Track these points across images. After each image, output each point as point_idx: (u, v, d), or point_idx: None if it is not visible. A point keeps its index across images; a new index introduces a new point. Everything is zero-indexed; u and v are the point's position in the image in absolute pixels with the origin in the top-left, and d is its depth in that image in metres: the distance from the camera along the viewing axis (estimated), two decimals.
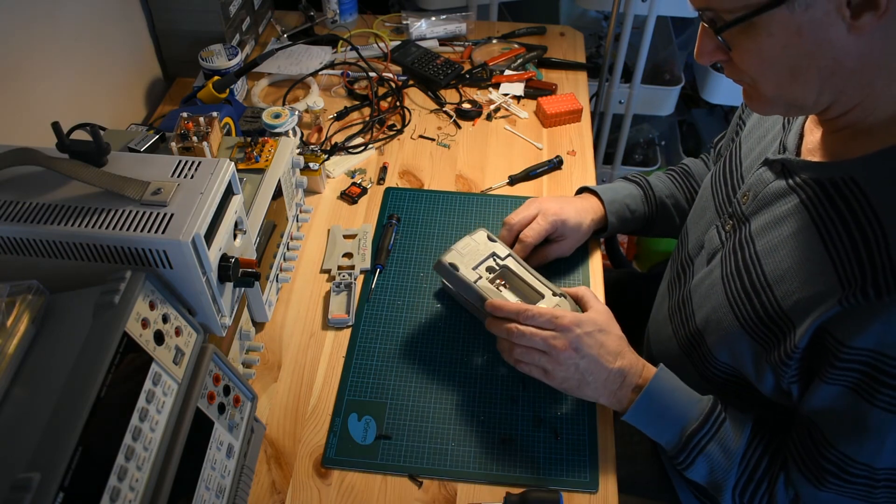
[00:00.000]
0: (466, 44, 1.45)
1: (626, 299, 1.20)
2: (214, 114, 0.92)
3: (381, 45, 1.41)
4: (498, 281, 0.91)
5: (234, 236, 0.74)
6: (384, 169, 1.17)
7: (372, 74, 1.32)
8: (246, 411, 0.74)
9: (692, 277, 0.85)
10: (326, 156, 1.15)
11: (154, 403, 0.58)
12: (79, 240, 0.63)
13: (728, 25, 0.61)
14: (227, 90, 1.11)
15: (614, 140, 2.14)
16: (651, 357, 0.83)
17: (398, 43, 1.41)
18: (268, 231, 0.91)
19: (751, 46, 0.61)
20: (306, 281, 1.00)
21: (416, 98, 1.32)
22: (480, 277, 0.88)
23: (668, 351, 0.88)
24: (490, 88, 1.34)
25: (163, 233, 0.62)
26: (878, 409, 0.62)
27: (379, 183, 1.15)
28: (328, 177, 1.15)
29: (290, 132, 1.07)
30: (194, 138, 0.87)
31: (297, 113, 1.08)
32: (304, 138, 1.19)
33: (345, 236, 1.05)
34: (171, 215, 0.63)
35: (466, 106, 1.29)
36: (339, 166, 1.17)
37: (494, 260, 0.91)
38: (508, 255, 0.92)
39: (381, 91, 1.31)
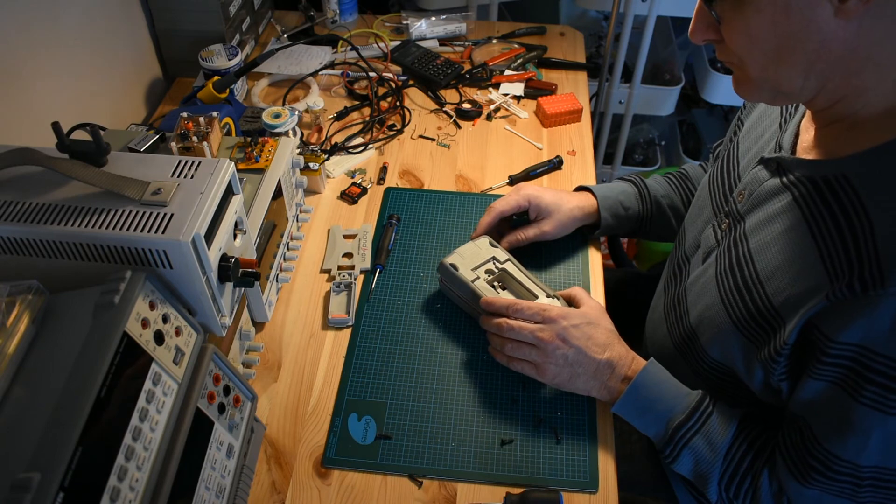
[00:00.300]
0: (466, 44, 1.45)
1: (626, 298, 1.20)
2: (214, 114, 0.92)
3: (381, 45, 1.41)
4: (496, 283, 0.93)
5: (234, 236, 0.74)
6: (384, 169, 1.17)
7: (372, 74, 1.32)
8: (246, 411, 0.74)
9: (688, 276, 0.86)
10: (326, 156, 1.15)
11: (154, 403, 0.58)
12: (79, 240, 0.63)
13: None
14: (227, 90, 1.11)
15: (614, 140, 2.14)
16: (648, 355, 0.83)
17: (398, 43, 1.41)
18: (268, 231, 0.91)
19: (740, 23, 0.62)
20: (306, 281, 1.00)
21: (416, 98, 1.32)
22: (478, 278, 0.92)
23: (664, 349, 0.89)
24: (490, 88, 1.34)
25: (163, 233, 0.62)
26: (862, 406, 0.62)
27: (379, 183, 1.15)
28: (328, 177, 1.15)
29: (290, 132, 1.07)
30: (194, 138, 0.87)
31: (297, 113, 1.08)
32: (304, 138, 1.19)
33: (345, 236, 1.05)
34: (171, 215, 0.63)
35: (466, 106, 1.29)
36: (339, 166, 1.17)
37: (494, 263, 0.94)
38: (507, 260, 0.94)
39: (381, 91, 1.31)
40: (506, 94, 1.31)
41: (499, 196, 1.04)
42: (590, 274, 1.01)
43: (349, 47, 1.36)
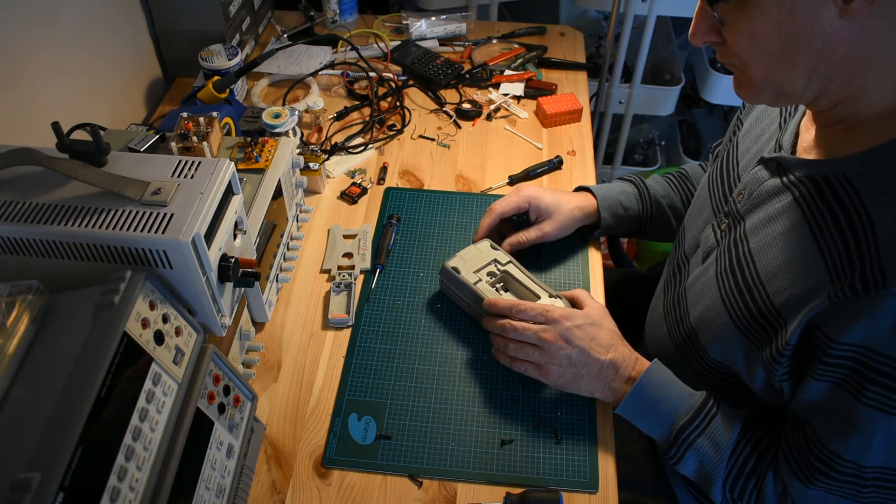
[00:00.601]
0: (466, 44, 1.45)
1: (626, 298, 1.20)
2: (214, 114, 0.92)
3: (381, 45, 1.41)
4: (498, 285, 0.93)
5: (234, 236, 0.74)
6: (384, 169, 1.17)
7: (372, 74, 1.32)
8: (246, 411, 0.74)
9: (687, 276, 0.86)
10: (326, 156, 1.15)
11: (154, 403, 0.58)
12: (79, 240, 0.63)
13: None
14: (227, 90, 1.11)
15: (614, 140, 2.14)
16: (648, 355, 0.83)
17: (398, 43, 1.41)
18: (268, 231, 0.91)
19: (743, 24, 0.62)
20: (306, 281, 1.00)
21: (416, 98, 1.32)
22: (480, 280, 0.92)
23: (664, 349, 0.89)
24: (490, 88, 1.34)
25: (163, 233, 0.62)
26: (865, 407, 0.62)
27: (379, 183, 1.15)
28: (328, 177, 1.15)
29: (290, 132, 1.07)
30: (194, 138, 0.87)
31: (297, 113, 1.08)
32: (304, 138, 1.19)
33: (345, 236, 1.05)
34: (171, 215, 0.63)
35: (466, 106, 1.29)
36: (339, 166, 1.17)
37: (496, 266, 0.94)
38: (509, 262, 0.95)
39: (381, 91, 1.31)
40: (506, 94, 1.31)
41: (499, 196, 1.04)
42: (590, 274, 1.01)
43: (349, 47, 1.36)
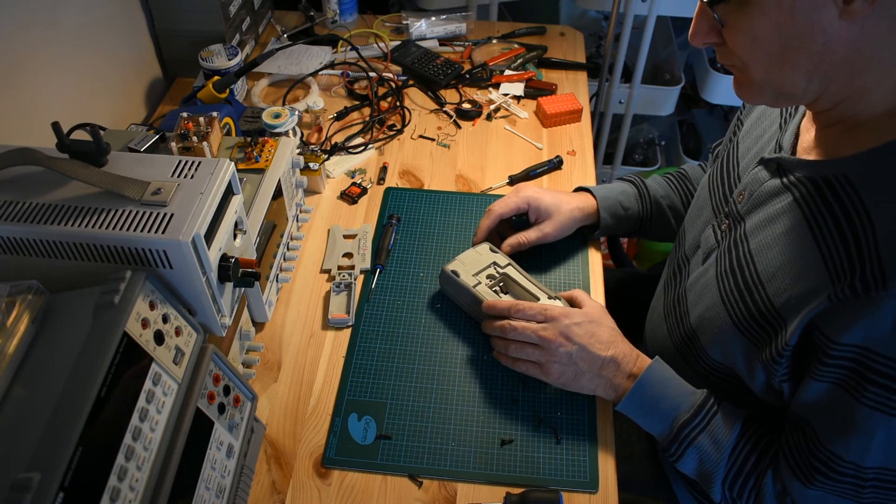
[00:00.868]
0: (466, 44, 1.45)
1: (626, 298, 1.20)
2: (214, 114, 0.92)
3: (381, 45, 1.41)
4: (498, 288, 0.93)
5: (234, 236, 0.74)
6: (384, 169, 1.17)
7: (372, 74, 1.32)
8: (246, 411, 0.74)
9: (688, 277, 0.86)
10: (326, 156, 1.15)
11: (154, 403, 0.58)
12: (79, 240, 0.63)
13: (722, 0, 0.61)
14: (227, 90, 1.11)
15: (614, 140, 2.14)
16: (648, 355, 0.83)
17: (398, 43, 1.41)
18: (268, 231, 0.91)
19: (743, 25, 0.62)
20: (306, 281, 1.00)
21: (416, 98, 1.32)
22: (480, 283, 0.92)
23: (664, 349, 0.89)
24: (490, 88, 1.34)
25: (163, 233, 0.62)
26: (865, 407, 0.62)
27: (379, 183, 1.15)
28: (328, 177, 1.15)
29: (290, 132, 1.07)
30: (194, 138, 0.87)
31: (297, 113, 1.08)
32: (304, 138, 1.19)
33: (345, 236, 1.05)
34: (171, 215, 0.63)
35: (466, 106, 1.29)
36: (339, 166, 1.17)
37: (495, 268, 0.95)
38: (508, 265, 0.95)
39: (381, 91, 1.31)
40: (506, 94, 1.31)
41: (499, 196, 1.04)
42: (590, 274, 1.01)
43: (349, 47, 1.36)
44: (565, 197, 1.00)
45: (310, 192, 1.13)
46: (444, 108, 1.29)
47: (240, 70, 1.13)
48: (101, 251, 0.64)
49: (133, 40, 1.28)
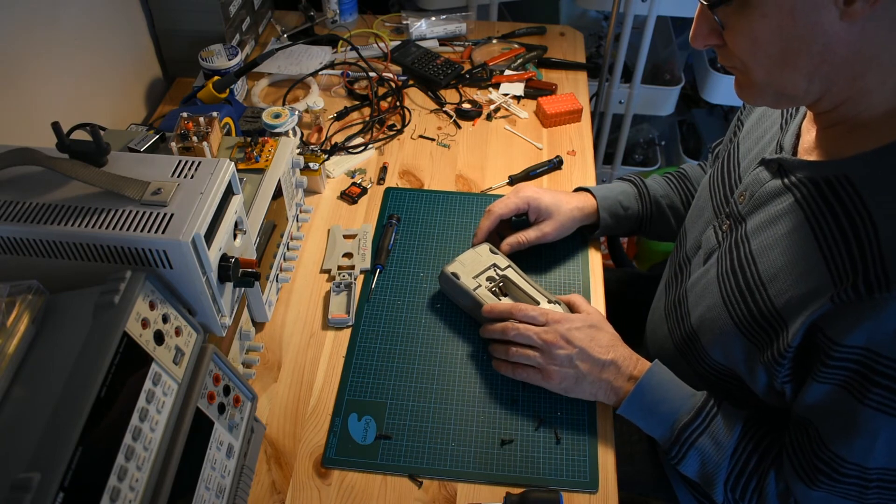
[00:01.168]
0: (466, 44, 1.45)
1: (626, 299, 1.20)
2: (214, 114, 0.92)
3: (381, 45, 1.41)
4: (497, 290, 0.93)
5: (234, 236, 0.74)
6: (384, 169, 1.17)
7: (372, 74, 1.32)
8: (246, 411, 0.74)
9: (689, 277, 0.86)
10: (326, 156, 1.15)
11: (154, 403, 0.58)
12: (79, 240, 0.63)
13: (723, 2, 0.61)
14: (227, 90, 1.11)
15: (614, 140, 2.14)
16: (648, 356, 0.83)
17: (398, 43, 1.41)
18: (268, 231, 0.91)
19: (744, 27, 0.61)
20: (306, 281, 1.00)
21: (416, 98, 1.32)
22: (480, 286, 0.92)
23: (664, 349, 0.89)
24: (490, 88, 1.34)
25: (163, 233, 0.62)
26: (868, 409, 0.62)
27: (379, 183, 1.15)
28: (328, 177, 1.15)
29: (290, 132, 1.07)
30: (194, 138, 0.87)
31: (297, 113, 1.08)
32: (304, 138, 1.19)
33: (345, 236, 1.05)
34: (171, 215, 0.63)
35: (466, 106, 1.29)
36: (339, 166, 1.17)
37: (495, 270, 0.95)
38: (508, 267, 0.95)
39: (381, 91, 1.31)
40: (506, 94, 1.31)
41: (499, 196, 1.04)
42: (590, 274, 1.01)
43: (349, 47, 1.36)
44: (565, 197, 1.00)
45: (310, 192, 1.13)
46: (444, 108, 1.29)
47: (240, 70, 1.13)
48: (101, 251, 0.64)
49: (133, 40, 1.28)
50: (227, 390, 0.70)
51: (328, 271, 1.01)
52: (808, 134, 0.72)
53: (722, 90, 1.90)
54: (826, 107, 0.66)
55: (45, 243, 0.64)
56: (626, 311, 1.03)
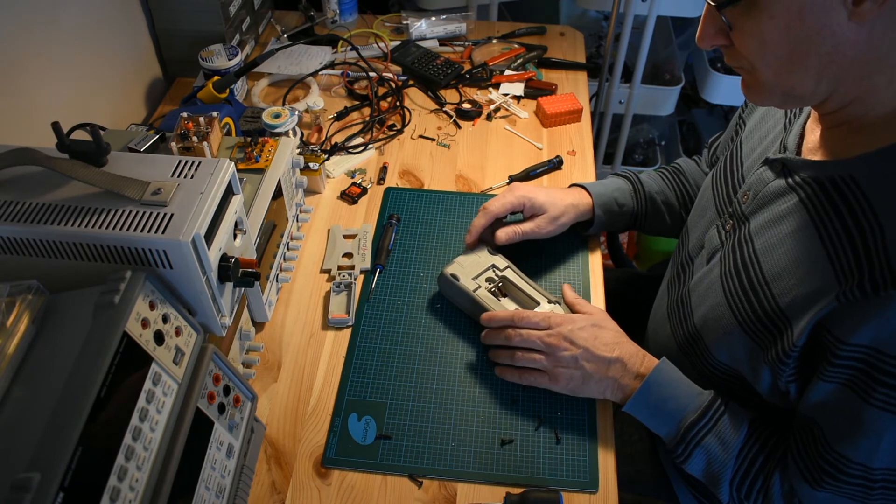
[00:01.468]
0: (466, 44, 1.45)
1: (626, 299, 1.20)
2: (214, 114, 0.92)
3: (381, 45, 1.41)
4: (497, 291, 0.93)
5: (234, 236, 0.74)
6: (384, 169, 1.17)
7: (372, 74, 1.32)
8: (246, 411, 0.74)
9: (691, 277, 0.86)
10: (326, 156, 1.15)
11: (154, 403, 0.58)
12: (79, 240, 0.63)
13: (731, 3, 0.61)
14: (227, 90, 1.11)
15: (614, 140, 2.14)
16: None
17: (398, 43, 1.41)
18: (268, 231, 0.91)
19: (752, 28, 0.61)
20: (306, 281, 1.00)
21: (416, 98, 1.32)
22: (479, 287, 0.92)
23: (667, 349, 0.88)
24: (490, 88, 1.34)
25: (163, 233, 0.62)
26: (873, 408, 0.62)
27: (379, 183, 1.15)
28: (328, 177, 1.15)
29: (290, 132, 1.07)
30: (194, 138, 0.87)
31: (297, 113, 1.08)
32: (304, 138, 1.19)
33: (345, 236, 1.05)
34: (171, 215, 0.63)
35: (466, 106, 1.29)
36: (339, 166, 1.17)
37: (494, 271, 0.94)
38: (507, 267, 0.95)
39: (381, 91, 1.31)
40: (506, 94, 1.31)
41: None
42: (590, 274, 1.01)
43: (349, 47, 1.36)
44: (560, 194, 0.99)
45: (310, 192, 1.13)
46: (444, 108, 1.29)
47: (240, 70, 1.13)
48: (101, 251, 0.64)
49: (133, 40, 1.28)
50: (227, 390, 0.70)
51: (328, 271, 1.01)
52: (812, 134, 0.72)
53: (722, 90, 1.90)
54: (833, 107, 0.65)
55: (45, 243, 0.64)
56: (626, 311, 1.02)
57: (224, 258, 0.70)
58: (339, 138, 1.22)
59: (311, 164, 1.08)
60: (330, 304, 0.96)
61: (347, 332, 0.93)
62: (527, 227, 0.96)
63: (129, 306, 0.57)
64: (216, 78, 1.12)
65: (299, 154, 1.06)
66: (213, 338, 0.74)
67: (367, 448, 0.81)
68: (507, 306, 0.91)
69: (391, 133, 1.24)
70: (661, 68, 2.03)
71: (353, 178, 1.16)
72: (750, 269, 0.72)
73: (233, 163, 0.71)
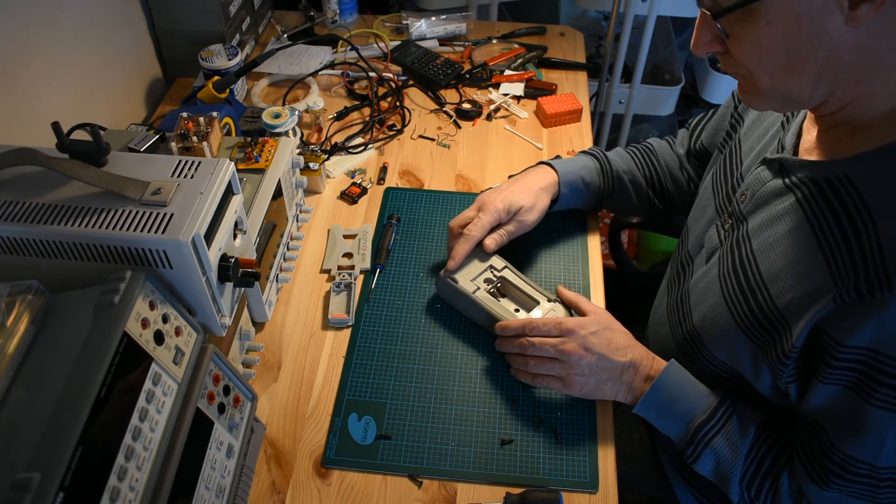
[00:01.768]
0: (466, 44, 1.45)
1: (626, 298, 1.20)
2: (214, 114, 0.92)
3: (381, 45, 1.41)
4: (496, 292, 0.93)
5: (234, 236, 0.74)
6: (384, 169, 1.17)
7: (372, 74, 1.32)
8: (246, 411, 0.74)
9: (691, 276, 0.86)
10: (326, 156, 1.15)
11: (154, 403, 0.58)
12: (79, 240, 0.63)
13: (726, 11, 0.61)
14: (227, 90, 1.11)
15: (614, 140, 2.14)
16: None
17: (398, 43, 1.41)
18: (268, 231, 0.91)
19: (748, 35, 0.61)
20: (306, 281, 1.00)
21: (416, 98, 1.32)
22: (479, 289, 0.92)
23: (666, 349, 0.88)
24: (490, 88, 1.34)
25: (163, 233, 0.62)
26: (876, 409, 0.62)
27: (379, 183, 1.15)
28: (328, 177, 1.15)
29: (290, 132, 1.07)
30: (194, 138, 0.87)
31: (297, 113, 1.08)
32: (304, 138, 1.19)
33: (345, 236, 1.05)
34: (171, 215, 0.63)
35: (466, 106, 1.29)
36: (339, 166, 1.17)
37: (492, 272, 0.94)
38: (505, 268, 0.94)
39: (381, 91, 1.31)
40: (506, 94, 1.31)
41: None
42: (590, 274, 1.01)
43: (349, 47, 1.36)
44: (527, 182, 0.97)
45: (310, 192, 1.13)
46: (444, 108, 1.29)
47: (240, 70, 1.13)
48: (101, 251, 0.64)
49: (133, 40, 1.28)
50: (227, 390, 0.70)
51: (328, 271, 1.01)
52: (809, 133, 0.72)
53: (722, 90, 1.91)
54: (830, 109, 0.65)
55: (45, 243, 0.64)
56: (626, 311, 1.02)
57: (224, 258, 0.70)
58: (339, 138, 1.22)
59: (311, 164, 1.08)
60: (330, 304, 0.96)
61: (347, 332, 0.93)
62: (510, 227, 0.95)
63: (129, 306, 0.57)
64: (216, 78, 1.12)
65: (299, 154, 1.06)
66: (213, 338, 0.74)
67: (367, 448, 0.81)
68: (507, 307, 0.91)
69: (391, 133, 1.24)
70: (661, 68, 2.03)
71: (353, 178, 1.16)
72: (748, 270, 0.72)
73: (233, 163, 0.71)
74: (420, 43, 1.42)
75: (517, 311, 0.91)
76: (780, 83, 0.63)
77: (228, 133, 1.05)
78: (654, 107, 2.00)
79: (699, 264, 0.84)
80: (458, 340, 0.92)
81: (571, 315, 0.89)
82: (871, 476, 0.66)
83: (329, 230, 1.06)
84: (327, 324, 0.94)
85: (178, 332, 0.63)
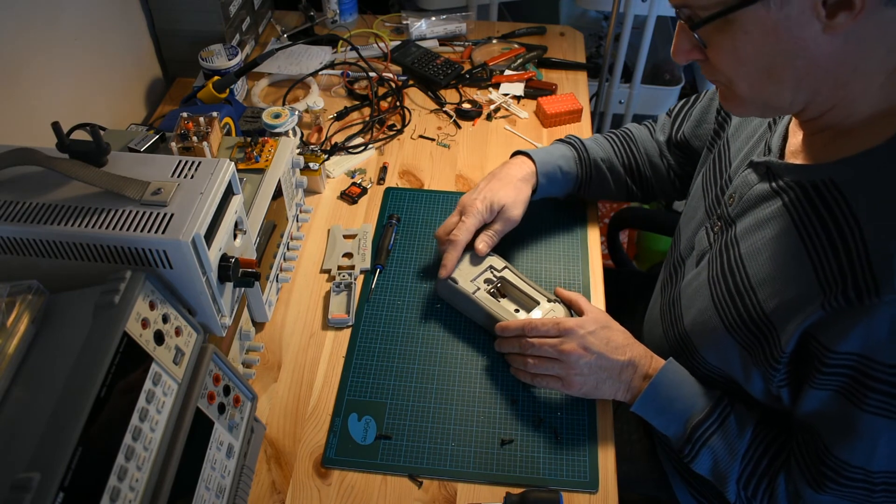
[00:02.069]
0: (466, 44, 1.45)
1: (626, 298, 1.20)
2: (214, 114, 0.92)
3: (381, 45, 1.41)
4: (496, 292, 0.93)
5: (234, 236, 0.74)
6: (384, 169, 1.17)
7: (372, 74, 1.32)
8: (246, 411, 0.74)
9: (682, 278, 0.86)
10: (326, 156, 1.15)
11: (154, 403, 0.58)
12: (79, 240, 0.63)
13: (704, 22, 0.61)
14: (227, 90, 1.11)
15: None
16: None
17: (398, 43, 1.41)
18: (268, 231, 0.91)
19: (727, 44, 0.61)
20: (306, 281, 1.00)
21: (416, 98, 1.32)
22: (479, 289, 0.92)
23: (660, 350, 0.88)
24: (490, 88, 1.34)
25: (163, 233, 0.62)
26: (867, 414, 0.62)
27: (379, 183, 1.15)
28: (328, 177, 1.15)
29: (290, 132, 1.07)
30: (194, 138, 0.87)
31: (297, 113, 1.08)
32: (304, 138, 1.19)
33: (345, 236, 1.05)
34: (171, 215, 0.63)
35: (466, 106, 1.29)
36: (339, 166, 1.17)
37: (491, 272, 0.94)
38: (505, 268, 0.94)
39: (381, 91, 1.31)
40: (506, 94, 1.31)
41: None
42: (590, 274, 1.01)
43: (349, 47, 1.36)
44: (504, 176, 0.96)
45: (310, 192, 1.13)
46: (444, 108, 1.29)
47: (240, 70, 1.13)
48: (101, 251, 0.64)
49: (133, 40, 1.28)
50: (227, 390, 0.70)
51: (328, 271, 1.01)
52: (796, 136, 0.72)
53: None
54: (812, 114, 0.66)
55: (45, 243, 0.64)
56: (625, 311, 1.02)
57: (224, 258, 0.70)
58: (339, 138, 1.22)
59: (311, 164, 1.08)
60: (330, 304, 0.96)
61: (347, 332, 0.93)
62: (497, 226, 0.94)
63: (129, 306, 0.57)
64: (216, 78, 1.12)
65: (299, 154, 1.06)
66: (213, 338, 0.74)
67: (367, 448, 0.81)
68: (507, 307, 0.91)
69: (391, 133, 1.24)
70: (661, 68, 2.03)
71: (353, 178, 1.16)
72: (736, 274, 0.72)
73: (233, 163, 0.71)
74: (420, 43, 1.42)
75: (517, 311, 0.91)
76: (759, 91, 0.64)
77: (228, 133, 1.05)
78: (654, 107, 2.00)
79: (690, 267, 0.84)
80: (458, 340, 0.92)
81: (572, 315, 0.89)
82: (865, 480, 0.66)
83: (329, 230, 1.06)
84: (327, 324, 0.94)
85: (178, 332, 0.63)
